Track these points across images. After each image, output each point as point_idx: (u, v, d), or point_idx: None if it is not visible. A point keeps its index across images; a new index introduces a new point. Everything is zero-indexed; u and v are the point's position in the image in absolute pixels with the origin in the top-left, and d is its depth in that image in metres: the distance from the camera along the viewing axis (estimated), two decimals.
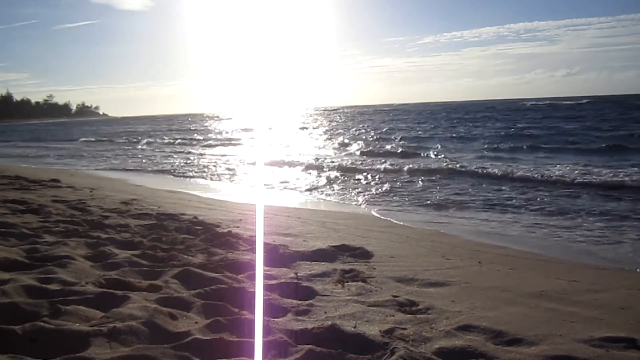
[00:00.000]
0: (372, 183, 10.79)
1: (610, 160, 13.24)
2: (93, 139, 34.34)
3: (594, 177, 9.86)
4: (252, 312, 2.73)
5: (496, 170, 11.53)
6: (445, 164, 13.28)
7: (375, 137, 25.64)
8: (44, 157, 20.98)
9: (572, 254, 4.97)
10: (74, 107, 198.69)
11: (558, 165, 12.12)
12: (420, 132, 27.67)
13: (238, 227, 5.45)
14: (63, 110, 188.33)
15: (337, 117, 61.66)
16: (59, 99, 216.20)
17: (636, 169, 10.71)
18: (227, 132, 36.98)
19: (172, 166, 15.46)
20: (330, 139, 25.76)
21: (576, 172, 10.68)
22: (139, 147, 25.57)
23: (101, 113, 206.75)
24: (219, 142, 26.40)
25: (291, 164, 14.89)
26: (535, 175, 10.50)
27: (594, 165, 12.11)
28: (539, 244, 5.38)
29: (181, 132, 41.79)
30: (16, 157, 21.19)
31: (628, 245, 5.26)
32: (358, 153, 18.32)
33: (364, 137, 25.77)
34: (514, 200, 8.02)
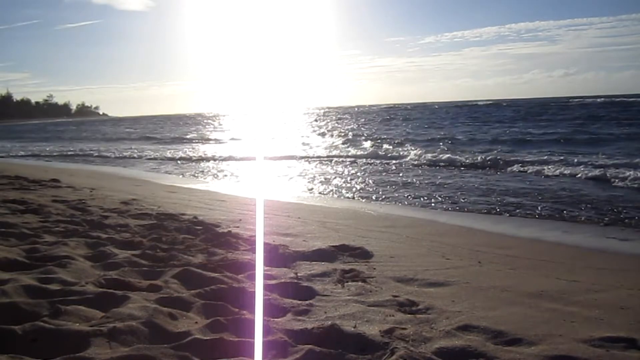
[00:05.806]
0: None
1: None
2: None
3: None
4: (252, 312, 2.73)
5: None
6: None
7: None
8: None
9: None
10: (74, 107, 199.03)
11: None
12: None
13: (238, 227, 5.45)
14: (63, 110, 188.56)
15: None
16: (59, 99, 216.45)
17: None
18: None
19: None
20: None
21: None
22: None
23: (101, 113, 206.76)
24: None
25: None
26: None
27: None
28: None
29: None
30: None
31: None
32: None
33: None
34: None
